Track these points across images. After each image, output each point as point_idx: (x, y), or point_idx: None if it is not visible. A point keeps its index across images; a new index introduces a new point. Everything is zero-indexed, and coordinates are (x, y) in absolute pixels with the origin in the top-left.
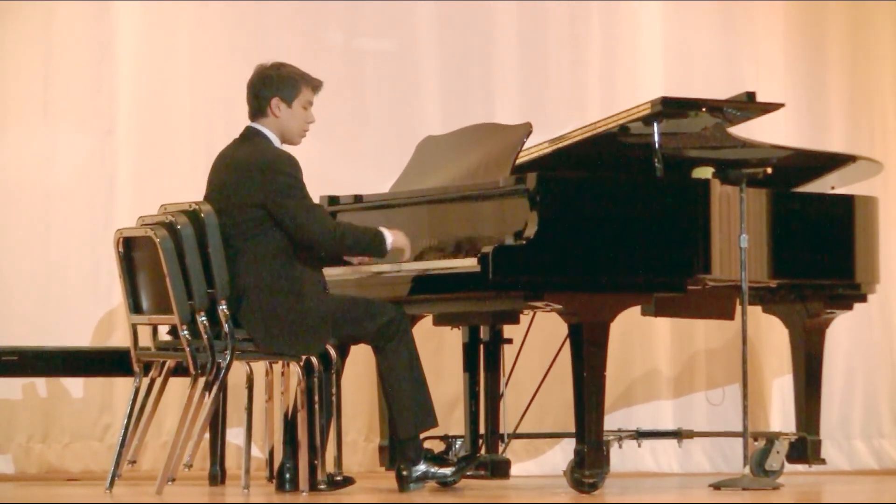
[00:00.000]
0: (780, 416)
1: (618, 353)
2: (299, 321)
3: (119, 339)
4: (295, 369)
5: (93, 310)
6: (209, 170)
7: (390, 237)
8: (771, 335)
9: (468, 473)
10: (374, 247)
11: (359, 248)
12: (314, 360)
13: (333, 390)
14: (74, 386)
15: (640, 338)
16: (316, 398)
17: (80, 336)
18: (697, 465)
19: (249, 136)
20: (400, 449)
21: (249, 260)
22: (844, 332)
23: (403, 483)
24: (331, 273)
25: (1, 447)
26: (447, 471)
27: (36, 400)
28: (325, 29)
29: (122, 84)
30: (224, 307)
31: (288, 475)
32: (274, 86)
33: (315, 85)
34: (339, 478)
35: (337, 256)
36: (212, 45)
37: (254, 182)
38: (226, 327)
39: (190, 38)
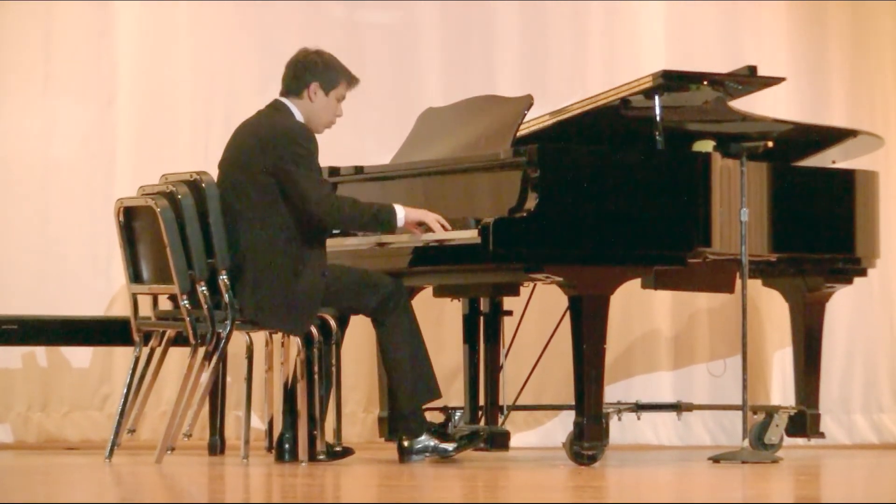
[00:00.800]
0: (781, 389)
1: (618, 323)
2: (290, 298)
3: (119, 310)
4: (294, 340)
5: (93, 280)
6: (210, 141)
7: (401, 213)
8: (772, 308)
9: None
10: (377, 222)
11: (360, 223)
12: (314, 330)
13: (333, 361)
14: (75, 355)
15: (641, 309)
16: (315, 369)
17: (80, 307)
18: (697, 437)
19: (277, 107)
20: (402, 421)
21: (252, 232)
22: (845, 307)
23: (404, 454)
24: (333, 244)
25: (1, 416)
26: (448, 446)
27: (36, 370)
28: (327, 1)
29: (123, 56)
30: (224, 277)
31: (287, 445)
32: (317, 71)
33: (352, 82)
34: (338, 448)
35: (339, 229)
36: (213, 17)
37: (269, 148)
38: (226, 297)
39: (190, 9)
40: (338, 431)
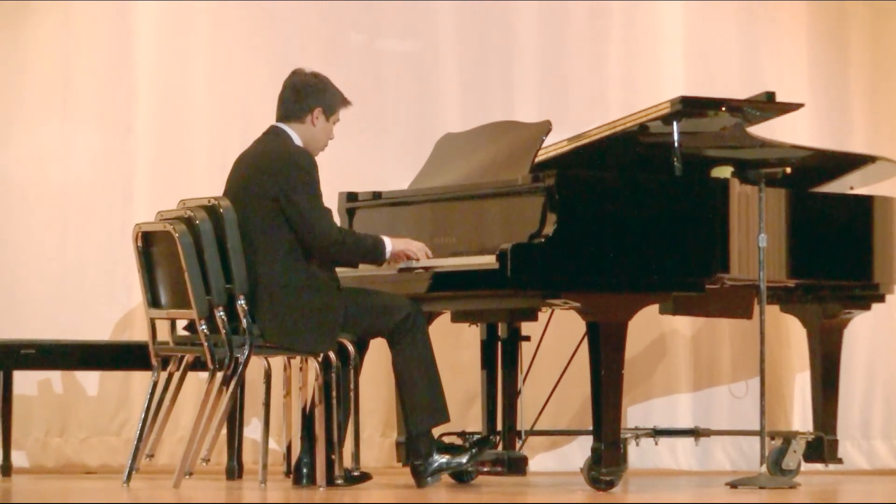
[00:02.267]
0: (801, 413)
1: (637, 344)
2: (311, 317)
3: (137, 335)
4: (313, 364)
5: (111, 306)
6: (227, 167)
7: (389, 245)
8: (791, 333)
9: (485, 470)
10: (373, 255)
11: (357, 255)
12: (332, 355)
13: (351, 385)
14: (90, 383)
15: (660, 329)
16: (334, 393)
17: (97, 332)
18: (716, 462)
19: (275, 133)
20: (413, 445)
21: (264, 254)
22: (865, 332)
23: (419, 478)
24: (349, 270)
25: (18, 442)
26: (462, 459)
27: (51, 396)
28: (347, 29)
29: (141, 83)
30: (242, 302)
31: (305, 470)
32: (320, 97)
33: (346, 104)
34: (356, 473)
35: (337, 261)
36: (230, 45)
37: (271, 174)
38: (244, 322)
39: (208, 37)
40: (356, 456)
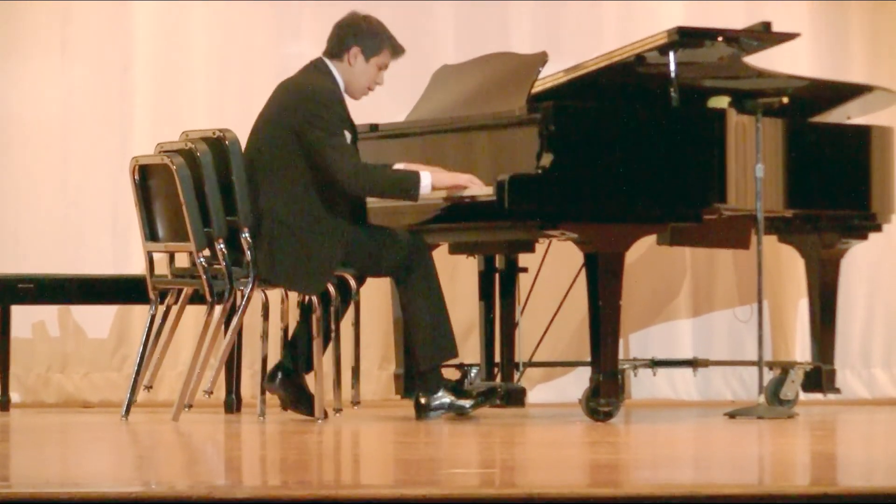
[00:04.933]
0: (803, 343)
1: (636, 271)
2: (305, 258)
3: (137, 269)
4: (292, 295)
5: (111, 241)
6: (227, 102)
7: (428, 180)
8: (792, 262)
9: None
10: (400, 189)
11: (380, 191)
12: (331, 289)
13: (353, 320)
14: (90, 319)
15: (659, 256)
16: (332, 326)
17: (98, 267)
18: (717, 391)
19: (316, 67)
20: (420, 379)
21: (270, 188)
22: (865, 262)
23: (422, 411)
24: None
25: (19, 378)
26: (465, 402)
27: (52, 332)
28: None
29: (140, 20)
30: (246, 235)
31: (280, 374)
32: (360, 36)
33: (397, 51)
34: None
35: (361, 196)
36: None
37: (295, 108)
38: (248, 255)
39: None
40: (356, 389)
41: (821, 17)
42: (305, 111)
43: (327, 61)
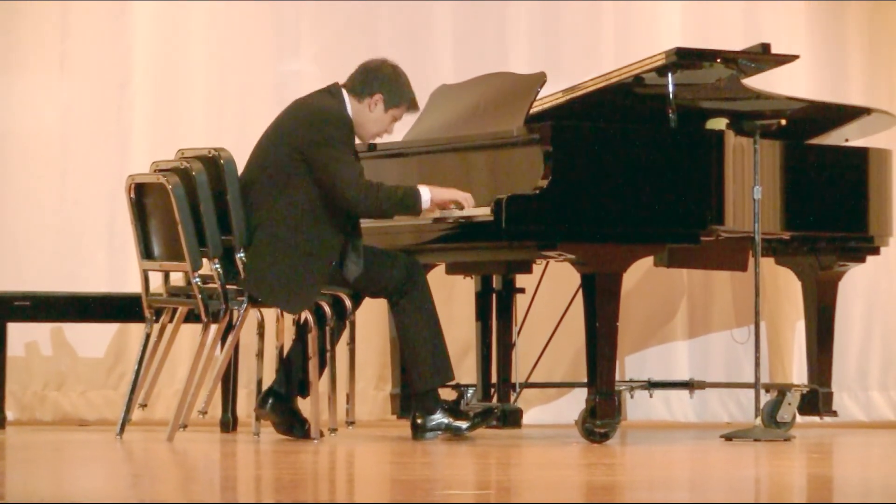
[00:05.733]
0: (800, 365)
1: (633, 293)
2: (291, 277)
3: (134, 287)
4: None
5: (109, 258)
6: (224, 119)
7: (427, 195)
8: (789, 284)
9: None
10: (404, 206)
11: (387, 208)
12: (327, 308)
13: (347, 340)
14: (89, 337)
15: (656, 277)
16: (328, 347)
17: (95, 284)
18: (713, 413)
19: (331, 92)
20: (416, 400)
21: (267, 205)
22: (863, 283)
23: (418, 432)
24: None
25: (15, 395)
26: (462, 424)
27: (49, 350)
28: None
29: (138, 36)
30: (242, 255)
31: (271, 400)
32: (387, 86)
33: (413, 108)
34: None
35: (368, 215)
36: None
37: (303, 126)
38: (242, 274)
39: None
40: (351, 409)
41: (819, 38)
42: (316, 130)
43: (343, 92)
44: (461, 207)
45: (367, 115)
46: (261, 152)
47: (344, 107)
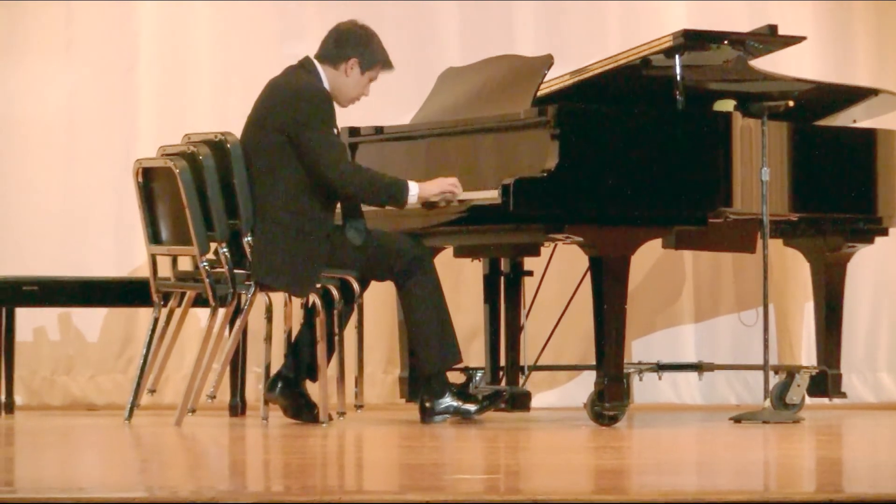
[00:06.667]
0: (808, 347)
1: (640, 275)
2: (293, 259)
3: (142, 272)
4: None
5: (116, 244)
6: (231, 104)
7: (415, 190)
8: (798, 265)
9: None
10: (388, 195)
11: (369, 193)
12: (334, 291)
13: (356, 323)
14: (96, 321)
15: (662, 260)
16: (336, 329)
17: (102, 269)
18: (721, 395)
19: (304, 67)
20: (425, 382)
21: (266, 190)
22: (870, 266)
23: (427, 415)
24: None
25: (24, 380)
26: (471, 407)
27: (57, 335)
28: None
29: (144, 21)
30: (249, 239)
31: (280, 383)
32: (360, 48)
33: (387, 67)
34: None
35: (350, 198)
36: None
37: (283, 107)
38: (250, 258)
39: None
40: (360, 392)
41: (826, 19)
42: (297, 110)
43: (316, 63)
44: (453, 197)
45: (343, 80)
46: (248, 137)
47: (319, 79)
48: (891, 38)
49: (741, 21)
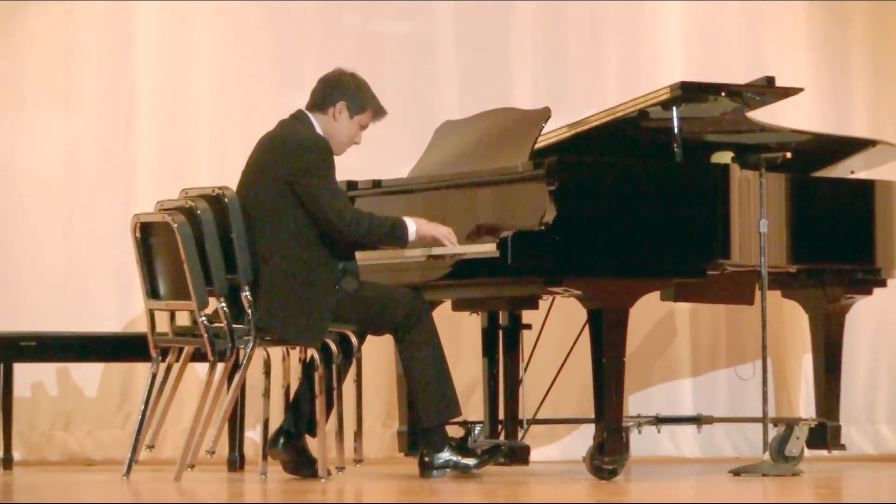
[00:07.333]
0: (806, 398)
1: (637, 331)
2: (302, 308)
3: (142, 326)
4: (294, 353)
5: (115, 297)
6: (230, 157)
7: (413, 226)
8: (795, 317)
9: None
10: (393, 236)
11: (376, 237)
12: (333, 346)
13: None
14: (94, 376)
15: (659, 314)
16: (335, 384)
17: (102, 323)
18: (719, 448)
19: (298, 118)
20: (424, 437)
21: (268, 242)
22: (869, 317)
23: (425, 469)
24: (367, 256)
25: (23, 435)
26: (470, 461)
27: (55, 390)
28: (342, 11)
29: (142, 73)
30: (247, 293)
31: (282, 439)
32: (348, 92)
33: (379, 113)
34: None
35: (356, 244)
36: (230, 32)
37: (284, 157)
38: (249, 313)
39: (208, 26)
40: (359, 446)
41: (823, 70)
42: (300, 160)
43: (308, 114)
44: (442, 245)
45: (333, 125)
46: (245, 193)
47: (314, 129)
48: (888, 89)
49: (739, 72)
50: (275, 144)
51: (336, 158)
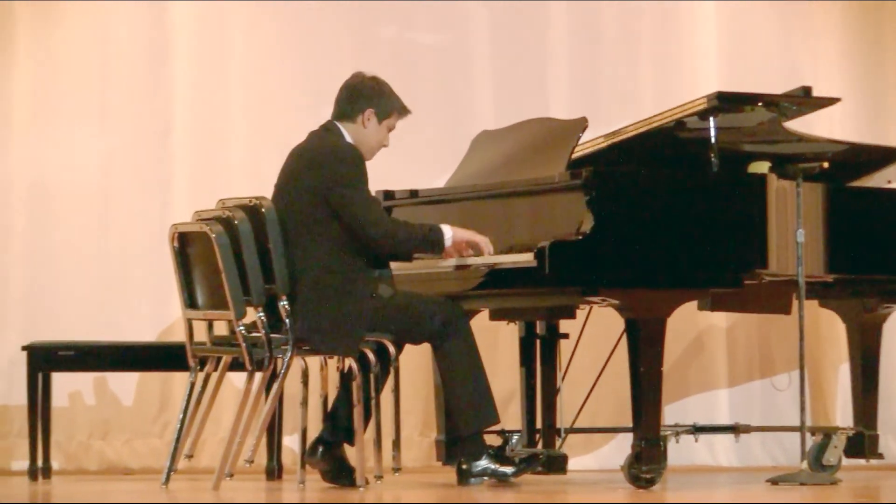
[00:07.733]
0: (843, 408)
1: (675, 340)
2: (339, 319)
3: (177, 335)
4: (332, 363)
5: (152, 308)
6: (266, 168)
7: (449, 232)
8: (831, 327)
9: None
10: (428, 242)
11: (412, 245)
12: (370, 355)
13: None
14: (133, 385)
15: (697, 327)
16: (373, 393)
17: (139, 334)
18: (755, 458)
19: (328, 129)
20: (461, 445)
21: (304, 253)
22: None
23: (463, 477)
24: (401, 267)
25: (61, 445)
26: (507, 469)
27: (94, 399)
28: (378, 22)
29: (178, 85)
30: (285, 303)
31: (321, 448)
32: (373, 98)
33: (404, 112)
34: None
35: (393, 253)
36: (265, 43)
37: (317, 169)
38: (287, 323)
39: (243, 36)
40: (397, 455)
41: (859, 79)
42: (333, 171)
43: (338, 124)
44: (480, 252)
45: (363, 133)
46: (279, 205)
47: (344, 139)
48: None
49: (775, 83)
50: (307, 156)
51: (374, 168)
